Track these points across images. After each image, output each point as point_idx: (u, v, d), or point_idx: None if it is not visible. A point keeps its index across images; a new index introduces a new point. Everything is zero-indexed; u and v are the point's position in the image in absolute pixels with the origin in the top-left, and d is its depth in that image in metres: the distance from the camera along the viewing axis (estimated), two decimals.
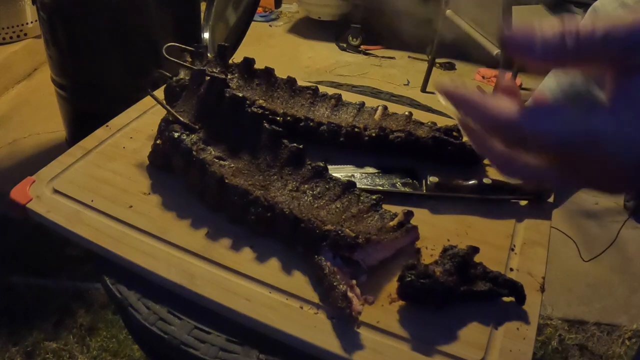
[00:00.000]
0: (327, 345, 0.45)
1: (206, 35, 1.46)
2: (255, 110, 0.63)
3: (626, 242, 1.58)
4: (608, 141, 0.26)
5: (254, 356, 0.47)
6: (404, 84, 2.47)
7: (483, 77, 2.48)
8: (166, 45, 0.69)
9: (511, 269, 0.54)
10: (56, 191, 0.60)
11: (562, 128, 0.27)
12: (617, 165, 0.27)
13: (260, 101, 0.67)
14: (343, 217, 0.53)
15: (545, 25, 0.26)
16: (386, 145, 0.66)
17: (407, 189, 0.62)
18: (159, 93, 0.70)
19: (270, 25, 3.05)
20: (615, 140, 0.26)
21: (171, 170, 0.62)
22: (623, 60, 0.26)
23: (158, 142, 0.63)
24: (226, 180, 0.56)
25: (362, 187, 0.60)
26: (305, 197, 0.55)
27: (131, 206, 0.58)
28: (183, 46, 0.72)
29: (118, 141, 0.69)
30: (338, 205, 0.55)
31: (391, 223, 0.53)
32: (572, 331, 1.34)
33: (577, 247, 1.47)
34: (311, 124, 0.67)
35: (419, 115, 0.73)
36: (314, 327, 0.46)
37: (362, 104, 0.71)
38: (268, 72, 0.72)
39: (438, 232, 0.57)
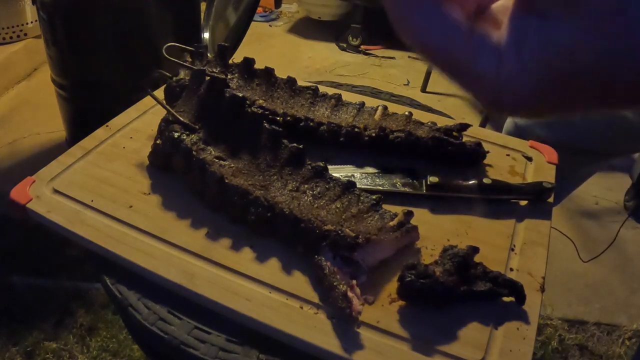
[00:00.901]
0: (327, 345, 0.45)
1: (206, 35, 1.46)
2: (255, 110, 0.63)
3: (626, 242, 1.58)
4: (486, 82, 0.23)
5: (254, 356, 0.47)
6: (404, 84, 2.47)
7: None
8: (166, 45, 0.69)
9: (511, 269, 0.54)
10: (56, 191, 0.60)
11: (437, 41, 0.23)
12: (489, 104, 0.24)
13: (260, 101, 0.67)
14: (343, 217, 0.53)
15: None
16: (386, 145, 0.66)
17: (407, 189, 0.62)
18: (159, 93, 0.70)
19: (270, 25, 3.05)
20: (493, 84, 0.23)
21: (171, 170, 0.62)
22: None
23: (158, 142, 0.63)
24: (226, 180, 0.56)
25: (362, 187, 0.60)
26: (305, 197, 0.55)
27: (131, 206, 0.58)
28: (183, 46, 0.72)
29: (118, 141, 0.69)
30: (338, 205, 0.55)
31: (391, 223, 0.53)
32: (572, 331, 1.34)
33: (576, 247, 1.47)
34: (311, 124, 0.67)
35: (419, 115, 0.73)
36: (314, 327, 0.46)
37: (362, 104, 0.71)
38: (268, 72, 0.72)
39: (438, 232, 0.57)
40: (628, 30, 0.20)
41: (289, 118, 0.67)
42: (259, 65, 0.73)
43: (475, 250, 0.51)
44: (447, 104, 2.28)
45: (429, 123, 0.69)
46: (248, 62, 0.72)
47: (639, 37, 0.20)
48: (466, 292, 0.48)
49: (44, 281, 1.39)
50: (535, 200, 0.62)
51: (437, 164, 0.66)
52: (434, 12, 0.23)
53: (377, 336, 0.46)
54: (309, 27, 2.99)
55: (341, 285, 0.46)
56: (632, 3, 0.19)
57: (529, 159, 0.70)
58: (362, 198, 0.55)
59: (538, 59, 0.22)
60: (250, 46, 2.60)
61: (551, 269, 0.55)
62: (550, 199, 0.62)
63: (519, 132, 0.95)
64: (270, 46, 2.81)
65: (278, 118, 0.66)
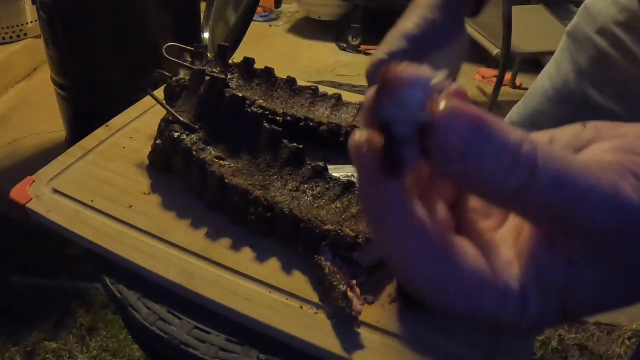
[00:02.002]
0: (327, 345, 0.45)
1: (206, 35, 1.46)
2: (255, 110, 0.63)
3: None
4: (507, 322, 0.22)
5: (254, 356, 0.47)
6: None
7: (483, 77, 2.48)
8: (166, 45, 0.69)
9: None
10: (56, 191, 0.60)
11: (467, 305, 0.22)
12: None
13: (260, 101, 0.67)
14: (343, 217, 0.53)
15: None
16: None
17: None
18: (159, 93, 0.70)
19: (270, 25, 3.05)
20: (515, 324, 0.22)
21: (171, 170, 0.62)
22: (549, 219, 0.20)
23: (158, 142, 0.63)
24: (226, 180, 0.56)
25: None
26: (305, 197, 0.55)
27: (131, 206, 0.58)
28: (183, 46, 0.72)
29: (118, 141, 0.69)
30: (338, 205, 0.55)
31: None
32: (572, 331, 1.34)
33: None
34: (311, 124, 0.67)
35: None
36: (314, 327, 0.46)
37: (362, 104, 0.71)
38: (268, 72, 0.72)
39: None
40: None
41: (289, 118, 0.67)
42: (259, 65, 0.73)
43: None
44: None
45: None
46: (248, 62, 0.72)
47: None
48: None
49: (44, 281, 1.39)
50: None
51: None
52: (447, 265, 0.21)
53: (377, 336, 0.46)
54: (309, 27, 2.99)
55: (341, 285, 0.46)
56: None
57: None
58: None
59: (562, 301, 0.21)
60: (250, 46, 2.60)
61: None
62: None
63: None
64: (270, 46, 2.81)
65: (278, 118, 0.66)
